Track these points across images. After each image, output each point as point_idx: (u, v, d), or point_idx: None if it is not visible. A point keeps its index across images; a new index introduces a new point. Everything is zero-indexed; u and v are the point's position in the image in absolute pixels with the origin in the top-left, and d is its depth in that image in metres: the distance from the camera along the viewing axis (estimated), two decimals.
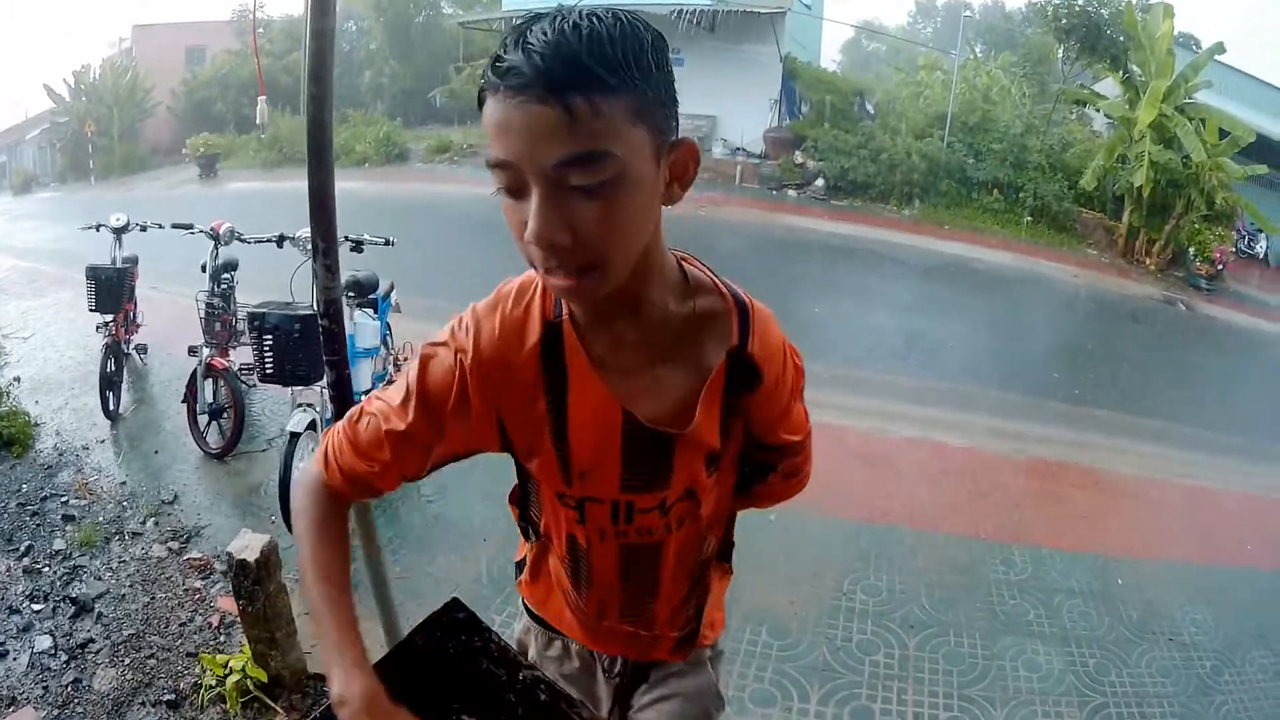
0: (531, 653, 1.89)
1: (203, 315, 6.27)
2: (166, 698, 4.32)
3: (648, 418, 1.39)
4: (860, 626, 5.09)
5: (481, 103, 1.14)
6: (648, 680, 1.84)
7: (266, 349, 4.95)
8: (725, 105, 19.98)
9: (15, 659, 4.71)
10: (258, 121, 21.79)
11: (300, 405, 5.15)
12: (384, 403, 1.44)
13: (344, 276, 4.00)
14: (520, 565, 1.87)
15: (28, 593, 5.24)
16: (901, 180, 17.70)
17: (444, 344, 1.40)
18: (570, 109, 1.05)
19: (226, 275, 6.55)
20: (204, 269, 6.40)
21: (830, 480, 5.90)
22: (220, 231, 6.34)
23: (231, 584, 3.76)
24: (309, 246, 5.29)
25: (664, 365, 1.40)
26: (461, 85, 25.78)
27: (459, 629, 1.51)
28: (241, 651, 4.30)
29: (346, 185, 16.89)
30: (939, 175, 17.91)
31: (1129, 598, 5.59)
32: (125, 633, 4.85)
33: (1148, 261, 16.09)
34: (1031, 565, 5.69)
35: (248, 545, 3.67)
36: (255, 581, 3.74)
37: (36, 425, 7.24)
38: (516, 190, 1.14)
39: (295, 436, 4.90)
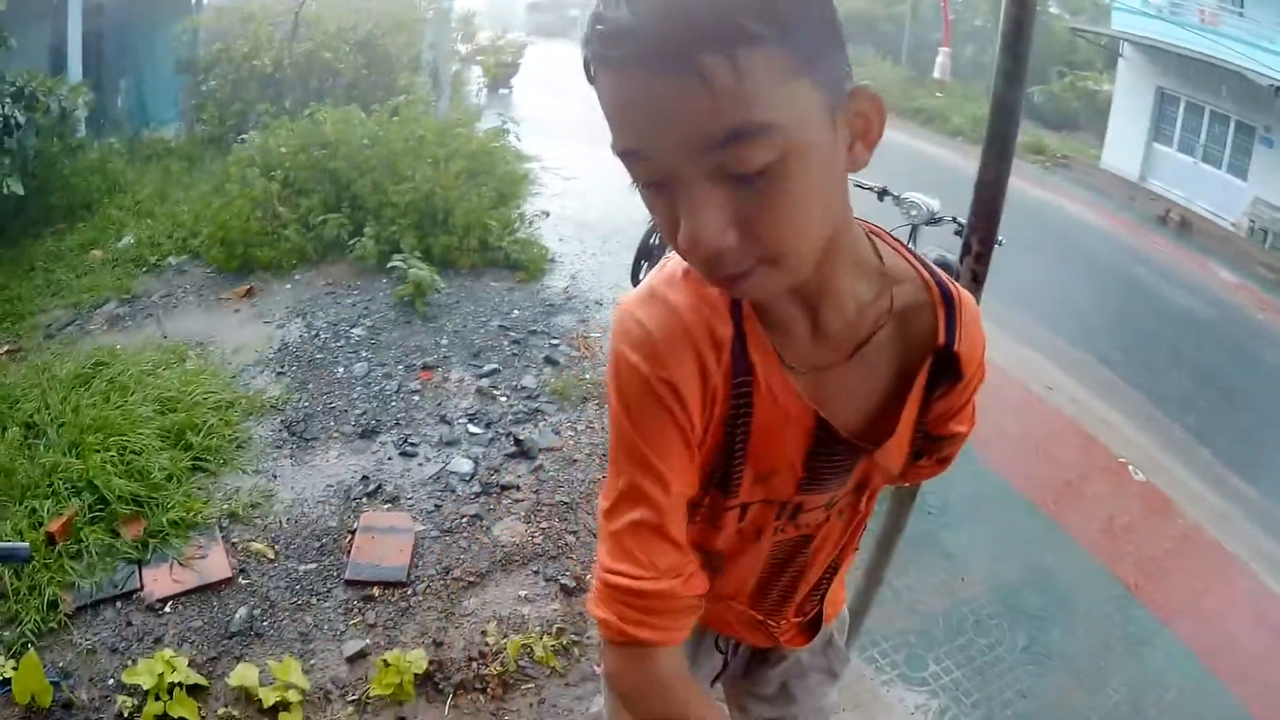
0: None
1: None
2: (564, 581, 3.78)
3: (843, 425, 1.24)
4: None
5: (589, 75, 0.94)
6: (757, 660, 1.78)
7: None
8: None
9: (422, 466, 4.40)
10: (936, 75, 21.49)
11: None
12: (622, 503, 1.20)
13: (933, 253, 3.77)
14: None
15: (471, 412, 4.91)
16: None
17: (634, 375, 1.16)
18: (705, 75, 0.83)
19: None
20: None
21: None
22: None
23: None
24: (912, 211, 4.84)
25: (858, 364, 1.23)
26: (1061, 91, 24.82)
27: None
28: None
29: (935, 151, 16.59)
30: None
31: None
32: (557, 498, 4.32)
33: None
34: None
35: None
36: None
37: (552, 262, 7.17)
38: (658, 183, 0.95)
39: None
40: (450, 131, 7.66)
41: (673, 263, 1.18)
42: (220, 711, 2.97)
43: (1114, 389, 6.76)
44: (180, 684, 2.95)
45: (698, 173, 0.89)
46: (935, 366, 1.26)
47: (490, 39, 16.07)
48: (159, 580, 3.47)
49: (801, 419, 1.22)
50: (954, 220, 4.77)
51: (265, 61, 8.01)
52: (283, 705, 2.98)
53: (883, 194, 5.07)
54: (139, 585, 3.44)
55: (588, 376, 5.46)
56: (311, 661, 3.23)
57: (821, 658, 1.78)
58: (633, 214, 7.83)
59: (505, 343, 5.69)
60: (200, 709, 2.95)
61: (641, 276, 6.63)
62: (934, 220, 4.78)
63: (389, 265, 6.02)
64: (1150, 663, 4.47)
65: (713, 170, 0.88)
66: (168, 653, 3.05)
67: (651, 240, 6.64)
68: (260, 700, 2.97)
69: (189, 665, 3.07)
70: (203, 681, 3.03)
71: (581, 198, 8.83)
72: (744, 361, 1.17)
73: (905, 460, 1.39)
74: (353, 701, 3.09)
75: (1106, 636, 4.61)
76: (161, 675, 2.94)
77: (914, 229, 4.70)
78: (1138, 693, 4.16)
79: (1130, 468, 6.25)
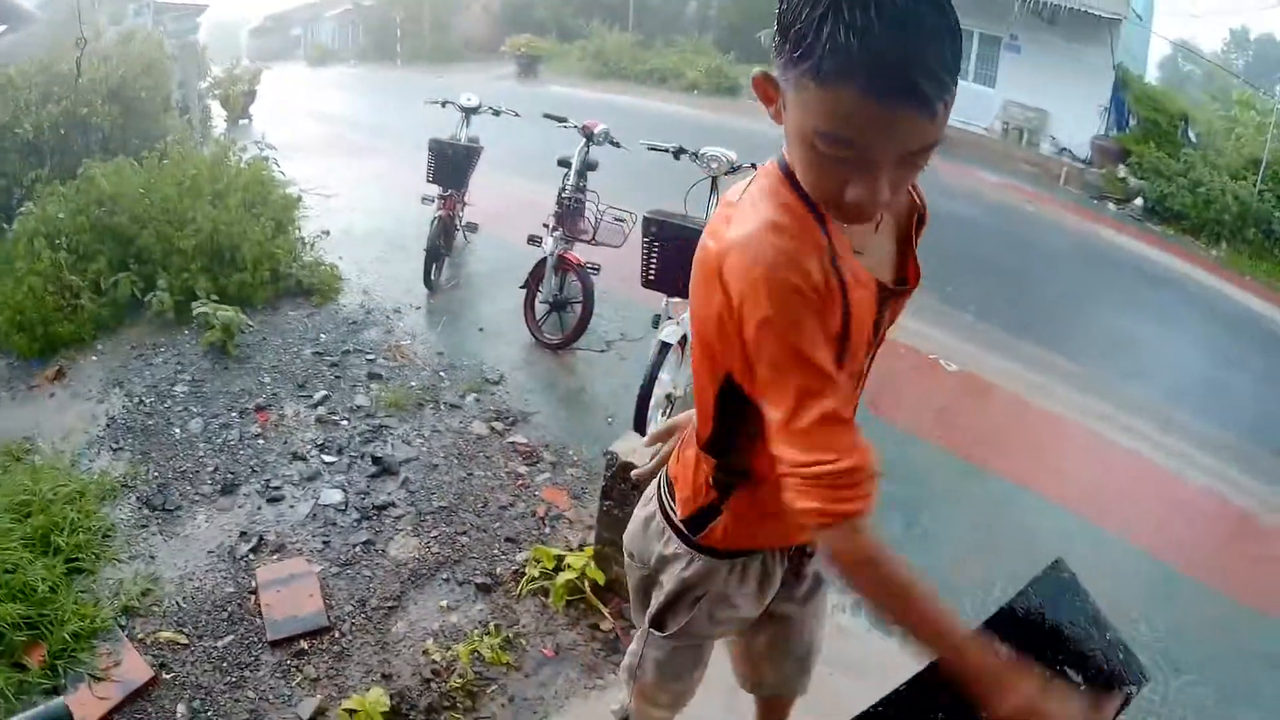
0: (714, 588, 1.92)
1: (562, 209, 6.21)
2: (478, 579, 3.88)
3: (891, 280, 1.61)
4: None
5: (802, 67, 1.26)
6: (805, 563, 2.01)
7: (655, 255, 4.95)
8: (1055, 103, 19.41)
9: (292, 506, 4.36)
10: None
11: (670, 319, 5.07)
12: (803, 389, 1.41)
13: None
14: (698, 522, 1.87)
15: (318, 442, 4.87)
16: (1214, 218, 16.48)
17: (784, 287, 1.40)
18: (936, 113, 1.23)
19: (588, 174, 6.56)
20: (565, 164, 6.34)
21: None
22: (595, 131, 6.25)
23: (607, 482, 3.60)
24: (712, 164, 4.96)
25: (880, 233, 1.61)
26: None
27: (1063, 589, 1.56)
28: (583, 550, 3.89)
29: (672, 108, 17.47)
30: (1247, 222, 16.47)
31: None
32: (435, 504, 4.39)
33: None
34: None
35: (635, 449, 3.50)
36: (635, 487, 3.31)
37: (341, 280, 7.10)
38: (847, 160, 1.30)
39: (666, 347, 4.79)
40: (221, 166, 7.39)
41: (761, 202, 1.47)
42: None
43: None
44: None
45: (888, 162, 1.27)
46: (918, 222, 1.66)
47: (225, 70, 15.54)
48: (85, 705, 3.22)
49: (870, 286, 1.51)
50: (751, 166, 4.83)
51: (27, 128, 7.53)
52: None
53: (679, 153, 5.26)
54: (68, 717, 3.25)
55: (414, 383, 5.48)
56: None
57: None
58: (398, 223, 8.11)
59: (324, 368, 5.62)
60: None
61: (432, 278, 6.90)
62: (734, 169, 4.93)
63: (193, 313, 5.79)
64: (1024, 521, 4.87)
65: (898, 161, 1.28)
66: None
67: (437, 240, 6.81)
68: None
69: None
70: None
71: (346, 214, 8.73)
72: (834, 253, 1.45)
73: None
74: None
75: (975, 509, 4.99)
76: None
77: (714, 180, 4.86)
78: (1025, 549, 4.43)
79: (941, 361, 6.76)
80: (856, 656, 3.31)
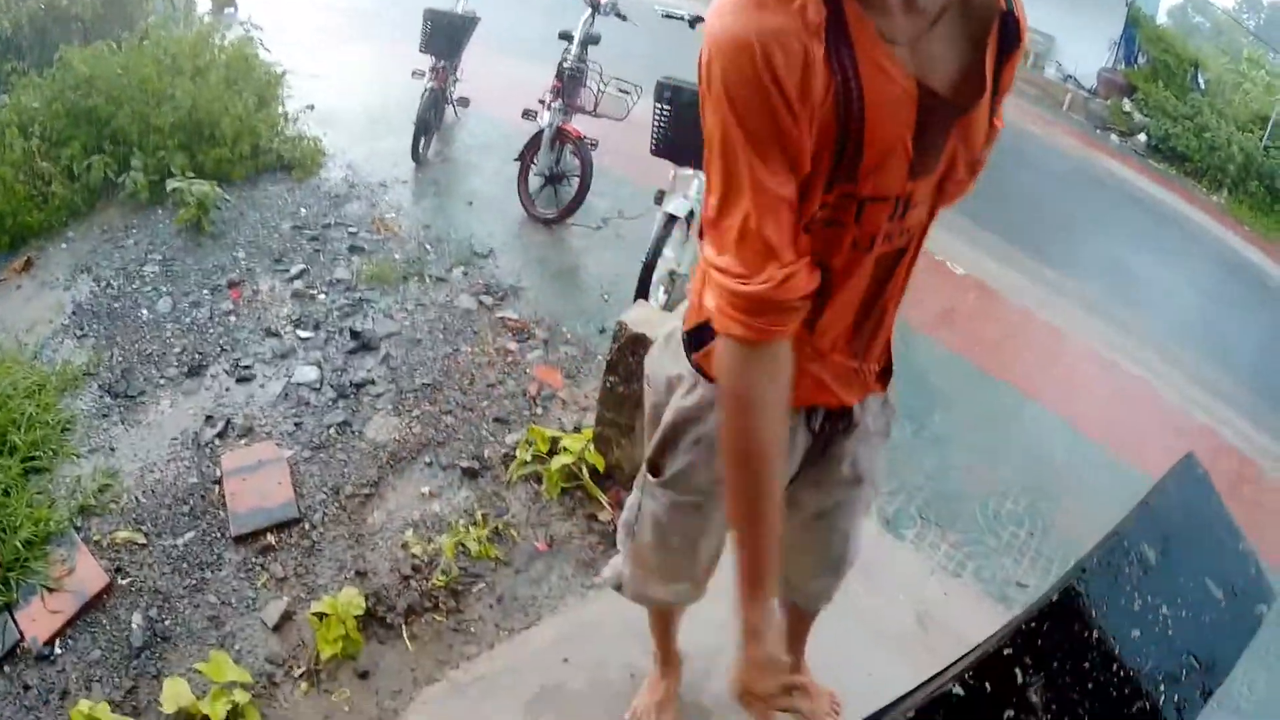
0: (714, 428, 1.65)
1: (563, 80, 5.86)
2: (463, 463, 3.50)
3: (942, 88, 1.34)
4: None
5: None
6: (840, 430, 1.76)
7: (666, 121, 4.60)
8: (1063, 30, 19.58)
9: (263, 386, 3.99)
10: None
11: (679, 193, 4.76)
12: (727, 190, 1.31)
13: None
14: (698, 337, 1.66)
15: (294, 317, 4.47)
16: (1218, 165, 16.83)
17: (734, 64, 1.22)
18: None
19: (589, 49, 6.22)
20: (566, 36, 6.00)
21: None
22: (601, 1, 5.94)
23: (613, 355, 3.18)
24: None
25: (940, 35, 1.33)
26: None
27: (1197, 488, 1.28)
28: (580, 433, 3.49)
29: None
30: (1250, 174, 16.85)
31: None
32: (418, 380, 4.00)
33: None
34: None
35: (648, 320, 3.11)
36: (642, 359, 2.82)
37: (325, 155, 6.57)
38: None
39: (671, 220, 4.57)
40: (203, 44, 6.93)
41: None
42: None
43: None
44: None
45: None
46: (1001, 30, 1.36)
47: None
48: (37, 619, 2.90)
49: (907, 88, 1.29)
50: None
51: (4, 24, 7.19)
52: (236, 713, 2.50)
53: (695, 21, 5.04)
54: (19, 636, 2.86)
55: (398, 256, 5.09)
56: (237, 646, 2.79)
57: (881, 417, 1.82)
58: (389, 100, 7.54)
59: (303, 242, 5.20)
60: None
61: (420, 151, 6.50)
62: None
63: (169, 189, 5.34)
64: (1025, 430, 4.71)
65: None
66: (84, 705, 2.51)
67: (427, 113, 6.40)
68: (208, 716, 2.47)
69: (112, 710, 2.54)
70: None
71: (335, 93, 8.16)
72: (843, 37, 1.24)
73: (983, 138, 1.44)
74: (302, 674, 2.69)
75: (979, 414, 4.78)
76: None
77: None
78: (1027, 457, 4.36)
79: (949, 263, 6.51)
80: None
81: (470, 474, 3.42)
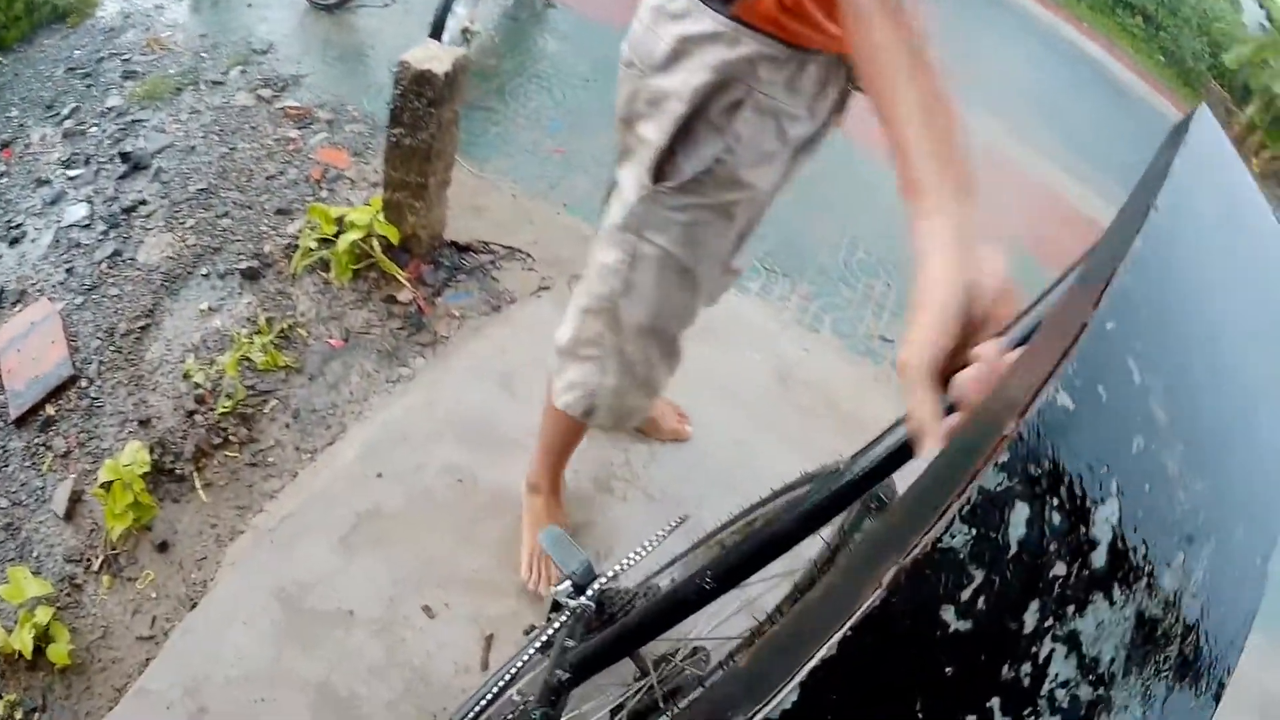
0: (757, 90, 1.43)
1: None
2: (241, 265, 3.15)
3: None
4: None
5: None
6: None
7: None
8: None
9: (34, 240, 3.60)
10: None
11: None
12: None
13: None
14: None
15: (64, 160, 4.03)
16: None
17: None
18: None
19: None
20: None
21: None
22: None
23: (396, 103, 2.82)
24: None
25: None
26: None
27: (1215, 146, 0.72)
28: (368, 204, 3.11)
29: None
30: None
31: None
32: (191, 188, 3.60)
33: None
34: None
35: (435, 56, 2.79)
36: (432, 103, 2.87)
37: None
38: None
39: None
40: None
41: None
42: None
43: None
44: None
45: None
46: None
47: None
48: None
49: None
50: None
51: None
52: (45, 638, 2.18)
53: None
54: None
55: (173, 70, 4.60)
56: (35, 553, 2.47)
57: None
58: None
59: (75, 82, 4.71)
60: None
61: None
62: None
63: None
64: (869, 184, 4.30)
65: None
66: None
67: None
68: (19, 651, 2.15)
69: None
70: None
71: None
72: None
73: None
74: (102, 564, 2.37)
75: (820, 168, 4.52)
76: None
77: None
78: (875, 210, 4.05)
79: None
80: None
81: (250, 275, 3.08)
